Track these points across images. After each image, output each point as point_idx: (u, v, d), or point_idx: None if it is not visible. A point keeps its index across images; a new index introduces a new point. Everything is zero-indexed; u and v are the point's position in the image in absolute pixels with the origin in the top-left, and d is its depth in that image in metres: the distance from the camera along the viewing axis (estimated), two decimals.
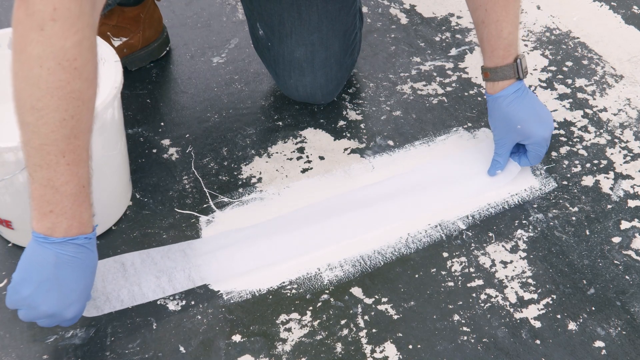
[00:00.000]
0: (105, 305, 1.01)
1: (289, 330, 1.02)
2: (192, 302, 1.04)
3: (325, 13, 1.24)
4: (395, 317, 1.04)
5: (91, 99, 0.85)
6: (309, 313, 1.04)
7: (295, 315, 1.04)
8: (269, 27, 1.27)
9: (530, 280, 1.09)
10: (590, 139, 1.31)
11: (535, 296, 1.07)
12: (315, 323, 1.03)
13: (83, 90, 0.83)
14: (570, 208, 1.19)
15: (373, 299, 1.06)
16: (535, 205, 1.19)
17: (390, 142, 1.30)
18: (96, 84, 0.85)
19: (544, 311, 1.05)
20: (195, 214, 1.16)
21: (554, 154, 1.28)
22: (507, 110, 1.14)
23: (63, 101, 0.81)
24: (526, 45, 1.51)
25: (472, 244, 1.13)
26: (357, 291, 1.07)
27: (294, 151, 1.28)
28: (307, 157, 1.27)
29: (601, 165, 1.27)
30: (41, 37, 0.79)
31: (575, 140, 1.31)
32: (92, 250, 0.91)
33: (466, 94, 1.40)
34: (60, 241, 0.87)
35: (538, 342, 1.01)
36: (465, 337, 1.01)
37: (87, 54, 0.82)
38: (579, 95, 1.40)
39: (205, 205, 1.18)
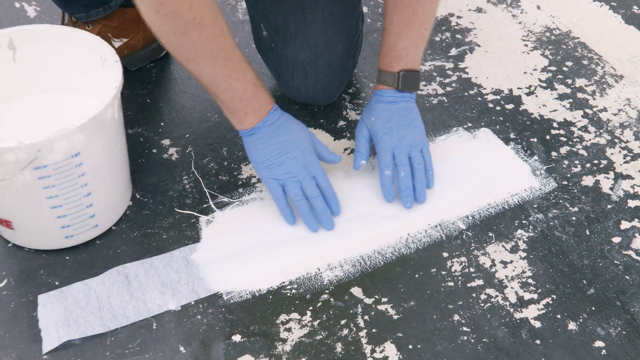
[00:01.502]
0: (112, 323, 1.01)
1: (289, 330, 1.02)
2: (192, 302, 1.04)
3: (330, 16, 1.25)
4: (395, 317, 1.04)
5: (212, 23, 1.00)
6: (309, 313, 1.04)
7: (295, 315, 1.04)
8: (274, 28, 1.27)
9: (530, 280, 1.09)
10: (590, 139, 1.31)
11: (535, 296, 1.07)
12: (315, 323, 1.03)
13: (207, 30, 1.00)
14: (570, 208, 1.19)
15: (373, 299, 1.06)
16: (535, 205, 1.19)
17: None
18: (211, 6, 1.00)
19: (544, 311, 1.05)
20: (195, 214, 1.16)
21: (554, 154, 1.28)
22: (371, 105, 1.20)
23: (207, 44, 1.01)
24: (526, 45, 1.51)
25: (472, 244, 1.13)
26: (357, 291, 1.07)
27: None
28: None
29: (601, 165, 1.27)
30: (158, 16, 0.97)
31: (575, 140, 1.31)
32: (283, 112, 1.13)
33: (466, 94, 1.40)
34: (264, 119, 1.10)
35: (538, 342, 1.01)
36: (465, 337, 1.02)
37: (198, 8, 0.97)
38: (579, 95, 1.40)
39: (205, 205, 1.18)
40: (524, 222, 1.17)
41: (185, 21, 0.97)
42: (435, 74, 1.44)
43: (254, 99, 1.09)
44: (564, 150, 1.29)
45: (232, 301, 1.05)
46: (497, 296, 1.07)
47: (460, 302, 1.06)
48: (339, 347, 1.00)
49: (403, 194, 1.16)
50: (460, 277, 1.09)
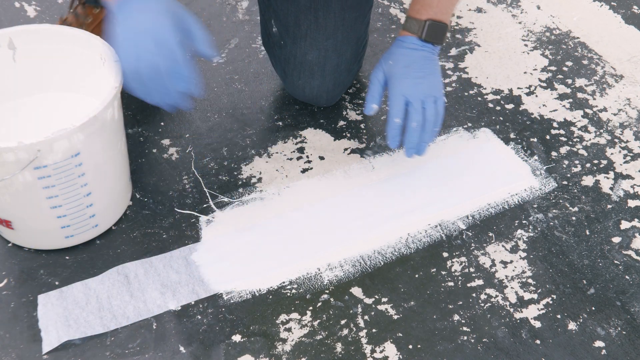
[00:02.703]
0: (112, 323, 1.01)
1: (289, 330, 1.02)
2: (192, 302, 1.04)
3: (342, 21, 1.25)
4: (395, 317, 1.04)
5: None
6: (309, 313, 1.04)
7: (295, 315, 1.04)
8: (284, 26, 1.27)
9: (530, 280, 1.09)
10: (590, 139, 1.31)
11: (535, 296, 1.07)
12: (315, 323, 1.03)
13: None
14: (570, 208, 1.19)
15: (373, 299, 1.06)
16: (535, 205, 1.19)
17: None
18: None
19: (544, 311, 1.05)
20: (195, 214, 1.16)
21: (554, 154, 1.28)
22: (392, 50, 1.16)
23: None
24: (526, 45, 1.51)
25: (472, 244, 1.13)
26: (357, 291, 1.07)
27: (294, 151, 1.28)
28: (307, 157, 1.27)
29: (601, 165, 1.27)
30: None
31: (575, 140, 1.31)
32: None
33: (466, 94, 1.40)
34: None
35: (538, 342, 1.01)
36: (465, 337, 1.02)
37: None
38: (579, 95, 1.40)
39: (205, 205, 1.18)
40: (524, 222, 1.17)
41: None
42: None
43: None
44: (564, 150, 1.29)
45: (232, 301, 1.05)
46: (497, 296, 1.07)
47: (460, 302, 1.06)
48: (339, 347, 1.00)
49: (408, 145, 1.13)
50: (460, 277, 1.09)
